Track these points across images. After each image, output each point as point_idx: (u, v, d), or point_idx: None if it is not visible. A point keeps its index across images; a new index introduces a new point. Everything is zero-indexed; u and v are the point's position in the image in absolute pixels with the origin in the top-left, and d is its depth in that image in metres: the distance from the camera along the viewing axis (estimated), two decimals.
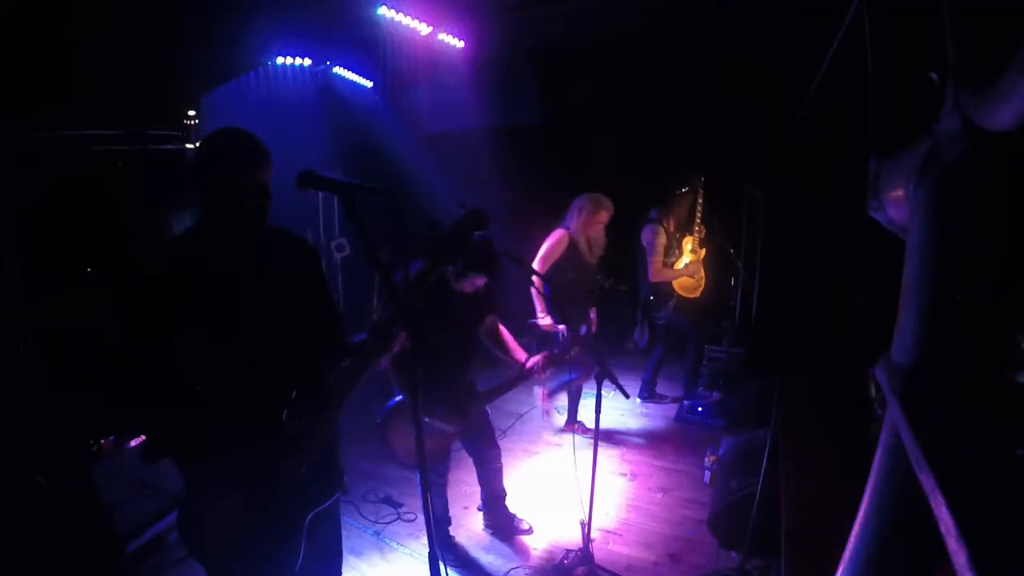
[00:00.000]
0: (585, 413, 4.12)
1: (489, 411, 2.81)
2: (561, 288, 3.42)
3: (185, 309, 1.29)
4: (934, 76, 0.99)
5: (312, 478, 1.50)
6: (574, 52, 5.03)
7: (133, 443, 2.73)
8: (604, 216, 3.57)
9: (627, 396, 2.45)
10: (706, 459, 3.49)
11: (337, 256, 4.98)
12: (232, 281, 1.37)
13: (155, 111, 3.61)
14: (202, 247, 1.40)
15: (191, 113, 3.81)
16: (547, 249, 3.55)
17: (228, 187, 1.35)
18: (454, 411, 2.50)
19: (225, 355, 1.34)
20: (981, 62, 0.84)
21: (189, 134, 3.80)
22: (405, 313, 1.33)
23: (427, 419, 2.50)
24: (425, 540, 1.25)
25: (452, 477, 3.48)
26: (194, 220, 1.47)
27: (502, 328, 2.68)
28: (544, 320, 3.45)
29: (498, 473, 2.89)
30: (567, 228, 3.60)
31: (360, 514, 3.08)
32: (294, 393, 1.46)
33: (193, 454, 1.36)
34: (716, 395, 4.51)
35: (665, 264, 4.23)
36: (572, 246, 3.56)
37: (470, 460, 3.74)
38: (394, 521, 3.05)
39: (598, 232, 3.62)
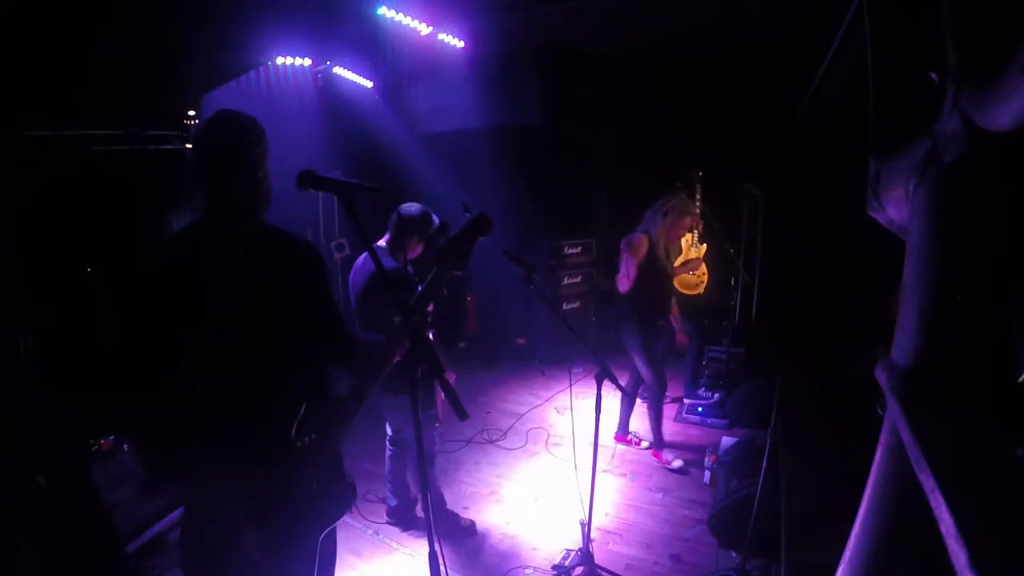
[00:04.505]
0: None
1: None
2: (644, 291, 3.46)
3: (183, 306, 1.28)
4: (934, 76, 0.99)
5: (323, 494, 1.46)
6: (574, 52, 5.03)
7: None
8: (688, 222, 3.57)
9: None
10: (706, 459, 3.49)
11: (337, 256, 4.98)
12: (231, 278, 1.35)
13: (155, 111, 3.61)
14: (202, 242, 1.37)
15: (191, 113, 3.82)
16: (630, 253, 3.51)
17: (231, 172, 1.33)
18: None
19: (225, 354, 1.33)
20: (981, 62, 0.84)
21: (189, 134, 3.80)
22: (406, 315, 1.32)
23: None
24: (425, 540, 1.25)
25: (452, 477, 3.50)
26: (195, 217, 1.43)
27: None
28: None
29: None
30: (647, 231, 3.49)
31: (360, 514, 3.08)
32: (304, 407, 1.43)
33: (196, 467, 1.32)
34: (716, 395, 4.51)
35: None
36: (651, 250, 3.47)
37: (470, 460, 3.76)
38: (394, 521, 3.05)
39: (678, 238, 3.63)
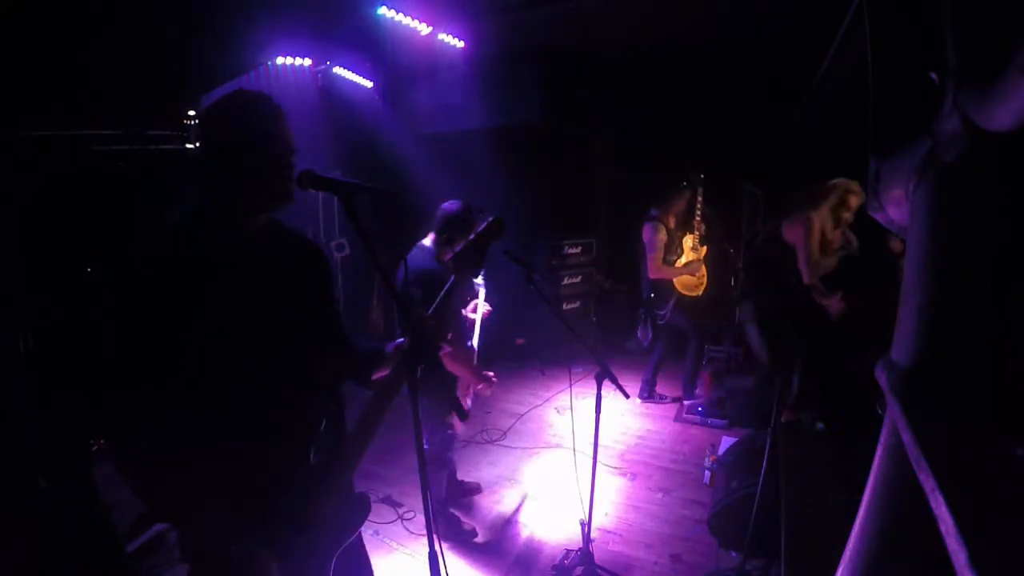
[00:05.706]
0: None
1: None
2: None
3: (182, 306, 1.25)
4: (934, 76, 0.99)
5: (334, 512, 1.42)
6: (574, 52, 5.04)
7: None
8: (854, 201, 3.17)
9: (627, 396, 2.45)
10: (706, 459, 3.48)
11: (337, 256, 4.99)
12: (231, 278, 1.32)
13: (155, 111, 3.61)
14: (201, 241, 1.33)
15: (191, 113, 3.82)
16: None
17: (230, 165, 1.27)
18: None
19: (224, 354, 1.31)
20: (981, 62, 0.84)
21: (189, 134, 3.80)
22: (406, 313, 1.31)
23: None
24: (425, 540, 1.25)
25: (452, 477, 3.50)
26: (189, 213, 1.35)
27: None
28: None
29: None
30: (805, 219, 3.22)
31: None
32: (323, 423, 1.40)
33: (195, 471, 1.26)
34: (716, 395, 4.51)
35: (666, 262, 4.23)
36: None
37: (470, 460, 3.76)
38: (394, 521, 3.05)
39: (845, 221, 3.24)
